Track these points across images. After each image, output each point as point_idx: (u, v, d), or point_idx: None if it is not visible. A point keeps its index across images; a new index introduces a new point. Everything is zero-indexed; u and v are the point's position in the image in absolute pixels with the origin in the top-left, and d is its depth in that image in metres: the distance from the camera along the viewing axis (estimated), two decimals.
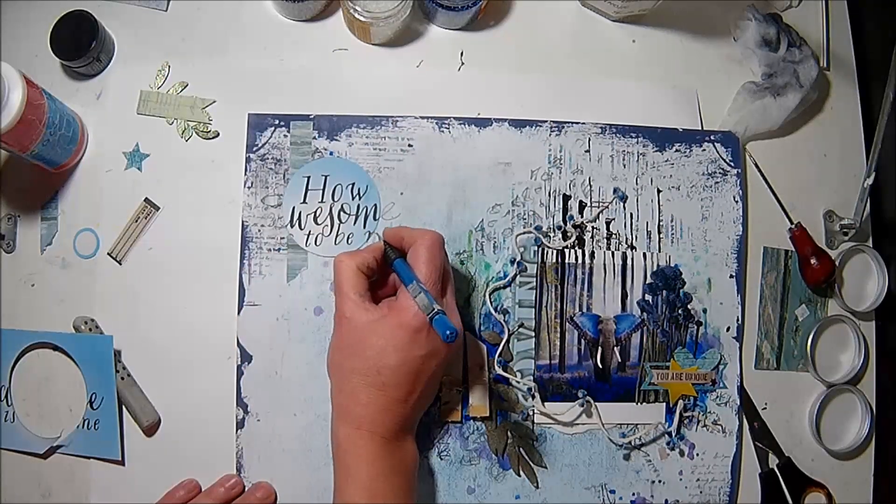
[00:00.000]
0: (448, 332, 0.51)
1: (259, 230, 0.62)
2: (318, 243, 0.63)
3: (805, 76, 0.68)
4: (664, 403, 0.64)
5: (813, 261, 0.66)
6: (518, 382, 0.62)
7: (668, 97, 0.68)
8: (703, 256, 0.66)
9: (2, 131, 0.53)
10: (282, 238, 0.62)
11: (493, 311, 0.63)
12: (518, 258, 0.64)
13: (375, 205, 0.63)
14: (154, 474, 0.60)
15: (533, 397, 0.62)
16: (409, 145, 0.64)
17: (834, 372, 0.68)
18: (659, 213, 0.66)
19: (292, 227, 0.63)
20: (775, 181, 0.68)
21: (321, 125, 0.64)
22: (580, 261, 0.65)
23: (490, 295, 0.63)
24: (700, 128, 0.68)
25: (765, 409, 0.66)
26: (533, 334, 0.64)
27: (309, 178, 0.63)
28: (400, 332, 0.52)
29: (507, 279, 0.64)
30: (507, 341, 0.63)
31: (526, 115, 0.66)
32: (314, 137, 0.63)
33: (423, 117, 0.64)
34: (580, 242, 0.65)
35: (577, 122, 0.66)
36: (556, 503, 0.62)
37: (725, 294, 0.66)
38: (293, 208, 0.63)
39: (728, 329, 0.66)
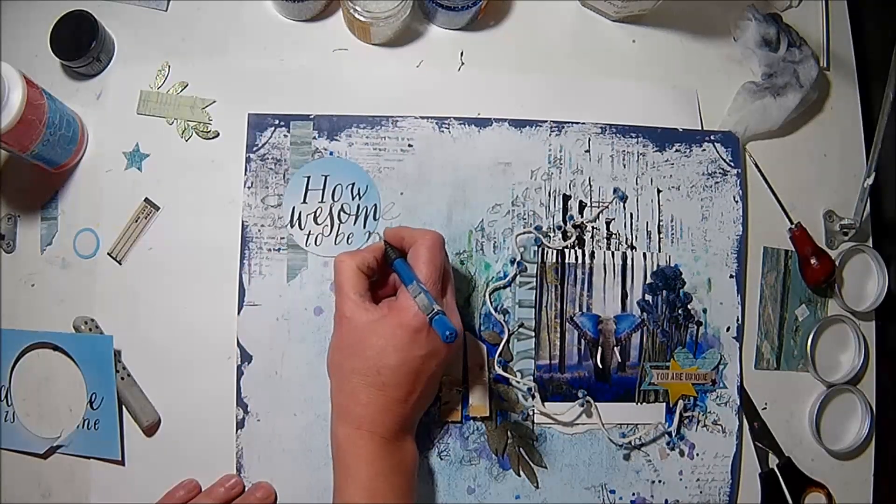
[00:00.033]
0: (448, 333, 0.51)
1: (259, 230, 0.62)
2: (318, 243, 0.63)
3: (805, 76, 0.68)
4: (664, 403, 0.64)
5: (813, 261, 0.66)
6: (518, 382, 0.62)
7: (668, 97, 0.68)
8: (703, 256, 0.66)
9: (2, 131, 0.53)
10: (282, 238, 0.62)
11: (493, 311, 0.63)
12: (518, 258, 0.64)
13: (375, 205, 0.63)
14: (154, 474, 0.60)
15: (533, 397, 0.62)
16: (409, 145, 0.64)
17: (834, 372, 0.68)
18: (659, 213, 0.66)
19: (292, 227, 0.63)
20: (775, 181, 0.68)
21: (321, 125, 0.64)
22: (580, 261, 0.65)
23: (490, 295, 0.63)
24: (700, 128, 0.68)
25: (765, 409, 0.66)
26: (533, 334, 0.64)
27: (309, 178, 0.63)
28: (400, 332, 0.52)
29: (507, 279, 0.64)
30: (507, 341, 0.63)
31: (526, 115, 0.66)
32: (314, 137, 0.63)
33: (423, 117, 0.64)
34: (580, 242, 0.65)
35: (577, 122, 0.66)
36: (556, 503, 0.62)
37: (725, 294, 0.66)
38: (293, 208, 0.63)
39: (728, 329, 0.66)
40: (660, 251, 0.66)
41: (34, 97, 0.56)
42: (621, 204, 0.66)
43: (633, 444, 0.64)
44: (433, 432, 0.62)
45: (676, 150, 0.67)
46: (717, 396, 0.65)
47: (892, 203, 0.71)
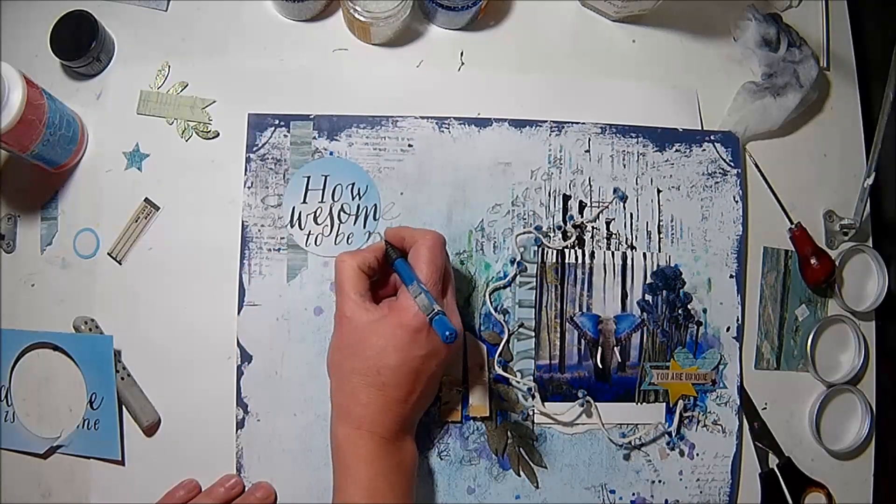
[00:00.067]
0: (448, 333, 0.51)
1: (259, 230, 0.62)
2: (318, 243, 0.63)
3: (805, 76, 0.68)
4: (664, 403, 0.64)
5: (813, 261, 0.66)
6: (518, 382, 0.62)
7: (668, 97, 0.68)
8: (703, 256, 0.66)
9: (2, 131, 0.53)
10: (282, 238, 0.62)
11: (493, 311, 0.63)
12: (518, 258, 0.64)
13: (375, 205, 0.63)
14: (154, 474, 0.60)
15: (533, 397, 0.62)
16: (409, 145, 0.64)
17: (834, 372, 0.68)
18: (659, 213, 0.66)
19: (292, 227, 0.63)
20: (775, 181, 0.68)
21: (321, 125, 0.64)
22: (580, 261, 0.65)
23: (490, 295, 0.63)
24: (700, 128, 0.68)
25: (765, 409, 0.66)
26: (533, 334, 0.64)
27: (309, 178, 0.63)
28: (400, 332, 0.52)
29: (507, 279, 0.64)
30: (507, 341, 0.63)
31: (526, 115, 0.66)
32: (314, 137, 0.63)
33: (423, 117, 0.64)
34: (580, 242, 0.65)
35: (577, 122, 0.66)
36: (556, 503, 0.62)
37: (725, 294, 0.66)
38: (293, 208, 0.63)
39: (728, 329, 0.66)
40: (660, 251, 0.66)
41: (34, 97, 0.56)
42: (621, 204, 0.66)
43: (633, 444, 0.64)
44: (433, 432, 0.62)
45: (676, 150, 0.67)
46: (717, 396, 0.65)
47: (892, 203, 0.71)
